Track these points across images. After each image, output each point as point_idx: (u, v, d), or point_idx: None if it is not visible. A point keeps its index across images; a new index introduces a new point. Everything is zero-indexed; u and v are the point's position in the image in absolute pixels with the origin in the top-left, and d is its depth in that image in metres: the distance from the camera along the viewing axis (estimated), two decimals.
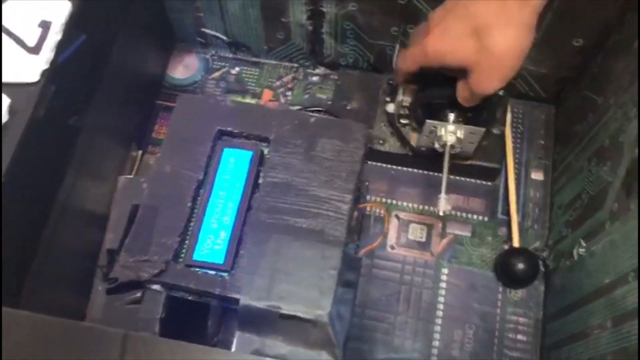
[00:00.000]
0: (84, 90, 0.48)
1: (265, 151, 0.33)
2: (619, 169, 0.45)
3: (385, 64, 0.60)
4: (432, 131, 0.54)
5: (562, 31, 0.53)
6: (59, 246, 0.43)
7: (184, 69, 0.64)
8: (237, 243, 0.31)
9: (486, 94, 0.45)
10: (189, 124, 0.33)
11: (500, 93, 0.57)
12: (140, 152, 0.56)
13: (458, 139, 0.53)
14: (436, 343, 0.54)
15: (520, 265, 0.54)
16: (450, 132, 0.52)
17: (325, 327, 0.29)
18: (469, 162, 0.57)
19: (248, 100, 0.63)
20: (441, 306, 0.55)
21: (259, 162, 0.33)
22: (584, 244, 0.49)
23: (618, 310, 0.41)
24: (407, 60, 0.49)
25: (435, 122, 0.53)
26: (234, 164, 0.32)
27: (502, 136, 0.58)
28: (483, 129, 0.52)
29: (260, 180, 0.32)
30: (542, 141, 0.61)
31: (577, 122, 0.55)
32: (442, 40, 0.43)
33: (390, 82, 0.60)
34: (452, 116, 0.53)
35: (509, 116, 0.60)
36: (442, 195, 0.51)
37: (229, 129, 0.33)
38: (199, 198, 0.32)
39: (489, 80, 0.43)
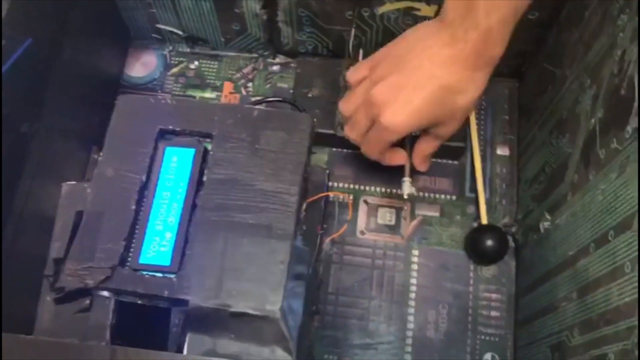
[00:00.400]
0: (34, 95, 0.47)
1: (209, 147, 0.32)
2: (577, 140, 0.45)
3: (344, 48, 0.59)
4: None
5: None
6: (18, 255, 0.43)
7: (141, 66, 0.63)
8: (183, 243, 0.30)
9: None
10: (130, 125, 0.33)
11: None
12: (102, 154, 0.55)
13: None
14: (411, 325, 0.54)
15: (489, 242, 0.54)
16: None
17: (277, 322, 0.29)
18: None
19: (208, 94, 0.62)
20: (414, 288, 0.55)
21: (202, 159, 0.32)
22: (548, 217, 0.49)
23: (582, 282, 0.41)
24: (372, 147, 0.50)
25: None
26: (176, 163, 0.32)
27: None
28: None
29: (205, 178, 0.32)
30: (506, 116, 0.61)
31: (538, 95, 0.55)
32: (407, 111, 0.44)
33: (350, 66, 0.59)
34: None
35: None
36: (406, 179, 0.51)
37: (171, 127, 0.32)
38: (143, 200, 0.31)
39: (457, 126, 0.48)
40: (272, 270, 0.29)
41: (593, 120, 0.42)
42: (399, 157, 0.52)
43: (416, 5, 0.53)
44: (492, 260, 0.55)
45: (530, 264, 0.52)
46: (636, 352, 0.33)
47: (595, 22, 0.44)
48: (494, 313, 0.55)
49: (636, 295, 0.33)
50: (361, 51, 0.57)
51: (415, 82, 0.43)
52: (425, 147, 0.50)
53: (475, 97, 0.45)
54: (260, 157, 0.31)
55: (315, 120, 0.49)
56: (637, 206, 0.35)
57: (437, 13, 0.52)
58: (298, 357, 0.31)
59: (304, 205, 0.32)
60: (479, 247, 0.55)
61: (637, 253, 0.34)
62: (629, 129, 0.36)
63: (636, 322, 0.33)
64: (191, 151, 0.32)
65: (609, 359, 0.36)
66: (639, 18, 0.37)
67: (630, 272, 0.35)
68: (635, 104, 0.36)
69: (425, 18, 0.54)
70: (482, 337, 0.54)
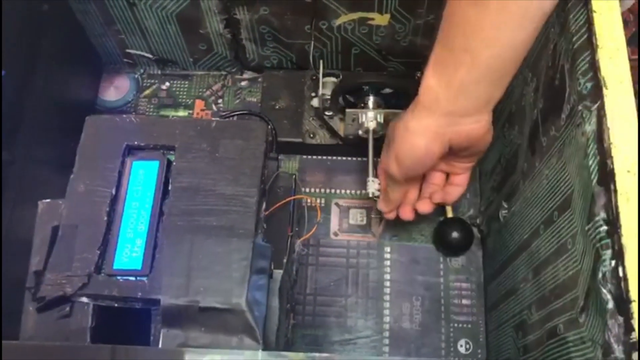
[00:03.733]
0: (10, 124, 0.49)
1: (172, 159, 0.35)
2: (524, 131, 0.48)
3: (307, 60, 0.62)
4: (354, 119, 0.56)
5: None
6: (4, 275, 0.45)
7: (115, 90, 0.66)
8: (153, 248, 0.33)
9: None
10: (98, 143, 0.35)
11: (417, 75, 0.59)
12: (73, 172, 0.58)
13: (379, 124, 0.55)
14: (387, 318, 0.57)
15: (455, 234, 0.57)
16: (371, 118, 0.55)
17: (243, 313, 0.31)
18: None
19: (181, 112, 0.65)
20: (388, 283, 0.58)
21: (166, 170, 0.35)
22: (505, 206, 0.52)
23: (535, 262, 0.44)
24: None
25: (356, 110, 0.56)
26: (143, 175, 0.34)
27: None
28: (402, 111, 0.55)
29: (170, 187, 0.34)
30: None
31: None
32: None
33: (313, 77, 0.62)
34: (370, 103, 0.55)
35: None
36: (370, 178, 0.54)
37: (136, 142, 0.35)
38: (114, 211, 0.34)
39: None
40: (235, 266, 0.32)
41: (535, 111, 0.45)
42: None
43: (370, 15, 0.56)
44: (459, 251, 0.58)
45: (494, 251, 0.55)
46: (580, 320, 0.35)
47: None
48: (465, 301, 0.57)
49: (578, 268, 0.36)
50: (322, 62, 0.60)
51: None
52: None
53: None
54: (220, 164, 0.34)
55: (272, 127, 0.52)
56: (573, 186, 0.38)
57: (389, 21, 0.56)
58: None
59: (264, 206, 0.35)
60: (446, 239, 0.57)
61: (576, 229, 0.37)
62: (563, 115, 0.39)
63: (578, 293, 0.36)
64: (156, 163, 0.34)
65: (559, 329, 0.38)
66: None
67: (571, 247, 0.37)
68: (567, 92, 0.39)
69: (379, 26, 0.57)
70: (455, 325, 0.56)
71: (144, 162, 0.35)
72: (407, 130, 0.44)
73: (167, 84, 0.66)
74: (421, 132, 0.43)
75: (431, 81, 0.42)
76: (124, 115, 0.35)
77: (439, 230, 0.58)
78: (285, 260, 0.44)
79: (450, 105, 0.41)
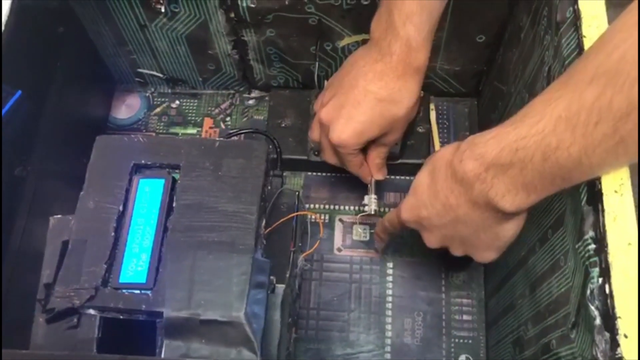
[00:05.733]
0: (25, 141, 0.51)
1: (177, 177, 0.36)
2: None
3: (312, 80, 0.64)
4: None
5: (464, 30, 0.57)
6: (15, 289, 0.46)
7: (126, 109, 0.68)
8: (157, 263, 0.34)
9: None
10: (107, 162, 0.37)
11: (421, 94, 0.61)
12: (83, 189, 0.60)
13: None
14: (389, 333, 0.58)
15: None
16: None
17: (242, 326, 0.32)
18: (398, 162, 0.60)
19: (190, 130, 0.67)
20: (390, 298, 0.59)
21: (171, 187, 0.36)
22: None
23: (532, 278, 0.45)
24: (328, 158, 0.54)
25: None
26: (149, 193, 0.36)
27: (427, 133, 0.62)
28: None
29: (174, 204, 0.36)
30: (467, 132, 0.65)
31: (492, 111, 0.60)
32: (352, 125, 0.49)
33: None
34: None
35: (433, 114, 0.64)
36: (372, 196, 0.56)
37: (143, 161, 0.37)
38: (120, 227, 0.36)
39: (400, 133, 0.53)
40: (235, 281, 0.33)
41: None
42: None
43: None
44: (460, 267, 0.59)
45: (494, 268, 0.56)
46: (571, 336, 0.36)
47: (528, 43, 0.48)
48: (465, 317, 0.58)
49: (570, 285, 0.37)
50: (326, 82, 0.61)
51: (353, 99, 0.48)
52: (375, 155, 0.54)
53: (411, 105, 0.48)
54: (223, 182, 0.36)
55: (277, 146, 0.54)
56: (566, 205, 0.39)
57: None
58: None
59: (264, 222, 0.36)
60: (447, 255, 0.58)
61: (568, 247, 0.38)
62: None
63: (570, 310, 0.37)
64: (161, 181, 0.36)
65: (552, 345, 0.39)
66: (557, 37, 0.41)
67: (564, 264, 0.38)
68: None
69: None
70: (456, 340, 0.57)
71: (150, 180, 0.36)
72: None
73: (177, 102, 0.68)
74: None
75: None
76: (132, 135, 0.36)
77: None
78: (287, 275, 0.46)
79: None
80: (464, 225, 0.42)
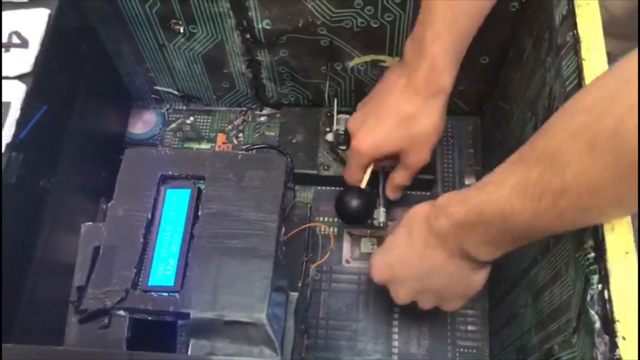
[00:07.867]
0: (50, 154, 0.53)
1: (202, 187, 0.39)
2: None
3: (322, 98, 0.66)
4: None
5: (468, 52, 0.59)
6: (40, 295, 0.48)
7: (143, 124, 0.70)
8: (184, 267, 0.37)
9: (421, 166, 0.54)
10: (136, 173, 0.39)
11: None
12: (109, 204, 0.62)
13: None
14: (395, 343, 0.60)
15: (355, 203, 0.57)
16: None
17: (263, 327, 0.35)
18: None
19: (204, 145, 0.69)
20: (396, 309, 0.61)
21: (197, 197, 0.39)
22: None
23: (534, 288, 0.47)
24: (350, 171, 0.56)
25: None
26: (176, 202, 0.38)
27: (433, 150, 0.64)
28: None
29: (200, 212, 0.38)
30: (471, 150, 0.68)
31: (495, 129, 0.62)
32: (372, 136, 0.52)
33: (328, 114, 0.66)
34: None
35: None
36: (381, 209, 0.58)
37: (170, 172, 0.39)
38: (149, 234, 0.38)
39: (424, 156, 0.53)
40: (257, 284, 0.35)
41: None
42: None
43: (381, 57, 0.61)
44: (358, 220, 0.58)
45: (498, 279, 0.58)
46: (572, 340, 0.38)
47: (530, 64, 0.51)
48: (470, 327, 0.60)
49: (571, 292, 0.39)
50: (336, 100, 0.64)
51: (378, 112, 0.51)
52: (396, 176, 0.56)
53: (430, 123, 0.50)
54: (245, 192, 0.38)
55: (290, 160, 0.56)
56: None
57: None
58: None
59: (283, 230, 0.39)
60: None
61: (569, 257, 0.40)
62: None
63: (571, 315, 0.39)
64: (187, 191, 0.39)
65: (554, 350, 0.41)
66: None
67: (565, 273, 0.41)
68: None
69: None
70: (461, 349, 0.59)
71: (177, 190, 0.39)
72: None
73: (192, 118, 0.71)
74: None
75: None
76: (160, 148, 0.39)
77: (339, 199, 0.57)
78: (300, 284, 0.48)
79: None
80: (438, 275, 0.45)
